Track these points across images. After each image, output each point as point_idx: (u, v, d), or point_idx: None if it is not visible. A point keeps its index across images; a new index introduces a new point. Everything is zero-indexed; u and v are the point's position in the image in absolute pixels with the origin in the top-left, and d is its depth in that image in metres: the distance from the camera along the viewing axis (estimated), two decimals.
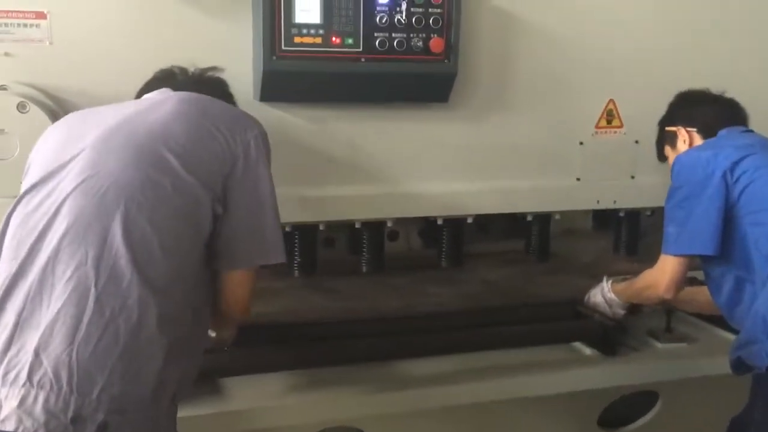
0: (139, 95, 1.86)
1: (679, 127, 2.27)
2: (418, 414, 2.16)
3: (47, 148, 1.63)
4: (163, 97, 1.71)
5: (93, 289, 1.42)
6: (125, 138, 1.56)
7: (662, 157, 2.39)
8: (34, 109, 1.92)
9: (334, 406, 2.07)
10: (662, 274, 2.10)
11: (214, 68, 1.95)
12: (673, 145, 2.30)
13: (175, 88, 1.78)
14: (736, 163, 1.98)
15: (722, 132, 2.19)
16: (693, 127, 2.25)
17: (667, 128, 2.32)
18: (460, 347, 2.28)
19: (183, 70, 1.91)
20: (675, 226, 2.05)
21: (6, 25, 2.01)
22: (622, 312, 2.37)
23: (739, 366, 2.00)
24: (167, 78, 1.87)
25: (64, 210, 1.49)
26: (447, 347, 2.27)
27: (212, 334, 1.88)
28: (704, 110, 2.26)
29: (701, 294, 2.26)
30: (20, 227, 1.51)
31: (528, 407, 2.30)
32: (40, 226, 1.49)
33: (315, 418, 2.07)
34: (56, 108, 2.01)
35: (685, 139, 2.25)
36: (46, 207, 1.51)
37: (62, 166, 1.55)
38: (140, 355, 1.43)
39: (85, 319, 1.40)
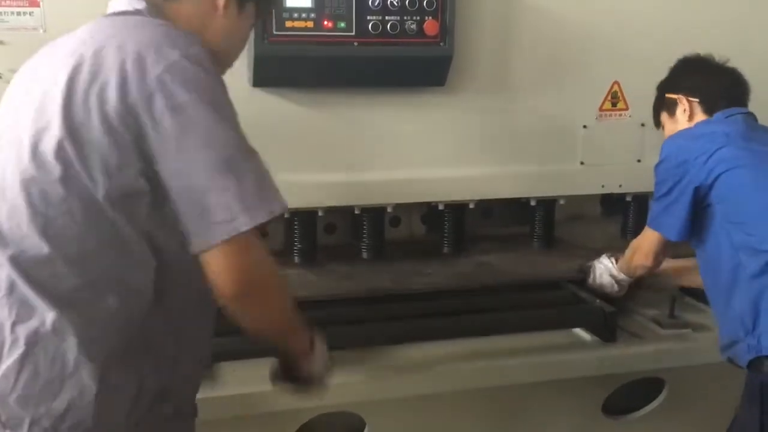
0: None
1: (681, 96, 2.19)
2: (416, 399, 2.14)
3: None
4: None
5: (8, 322, 1.31)
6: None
7: (658, 123, 2.32)
8: None
9: (330, 391, 2.06)
10: (644, 241, 2.22)
11: None
12: (672, 114, 2.23)
13: None
14: (709, 156, 1.99)
15: (718, 115, 2.13)
16: (696, 97, 2.17)
17: (668, 95, 2.24)
18: (457, 332, 2.26)
19: None
20: (656, 203, 2.13)
21: None
22: (624, 289, 2.38)
23: (735, 364, 2.03)
24: None
25: None
26: (442, 332, 2.24)
27: None
28: (708, 81, 2.18)
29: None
30: None
31: (528, 393, 2.27)
32: None
33: (310, 403, 2.06)
34: None
35: (686, 109, 2.18)
36: None
37: None
38: (66, 386, 1.30)
39: (3, 353, 1.30)
